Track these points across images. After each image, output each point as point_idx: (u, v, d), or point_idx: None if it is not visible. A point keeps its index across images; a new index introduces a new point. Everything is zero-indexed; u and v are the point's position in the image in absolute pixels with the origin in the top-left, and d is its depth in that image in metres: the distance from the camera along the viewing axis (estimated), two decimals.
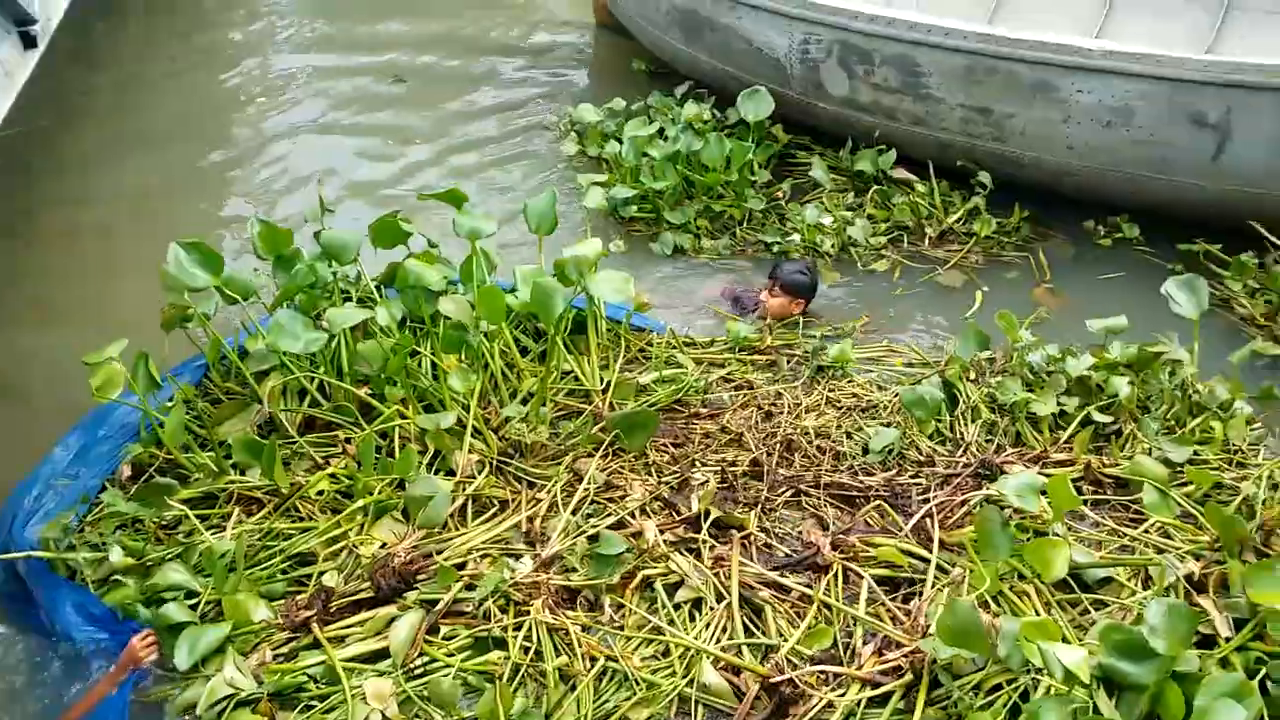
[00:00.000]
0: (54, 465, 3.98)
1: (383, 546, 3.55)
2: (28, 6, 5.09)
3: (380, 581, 3.40)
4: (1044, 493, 3.28)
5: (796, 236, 5.59)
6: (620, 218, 5.82)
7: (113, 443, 4.07)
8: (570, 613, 3.29)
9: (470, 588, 3.40)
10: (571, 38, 8.58)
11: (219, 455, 3.84)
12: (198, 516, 3.70)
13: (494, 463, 3.79)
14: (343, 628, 3.36)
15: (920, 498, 3.71)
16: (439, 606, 3.34)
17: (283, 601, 3.45)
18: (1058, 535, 3.36)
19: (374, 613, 3.37)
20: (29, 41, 5.26)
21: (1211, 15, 6.27)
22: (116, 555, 3.52)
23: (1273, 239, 5.05)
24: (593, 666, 3.14)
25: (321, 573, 3.48)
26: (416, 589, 3.40)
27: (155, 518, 3.70)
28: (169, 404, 3.90)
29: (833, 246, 5.56)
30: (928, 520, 3.55)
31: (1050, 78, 5.23)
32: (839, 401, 4.24)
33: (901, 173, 5.90)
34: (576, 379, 4.19)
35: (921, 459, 3.90)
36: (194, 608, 3.47)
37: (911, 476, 3.82)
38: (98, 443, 4.09)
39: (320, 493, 3.69)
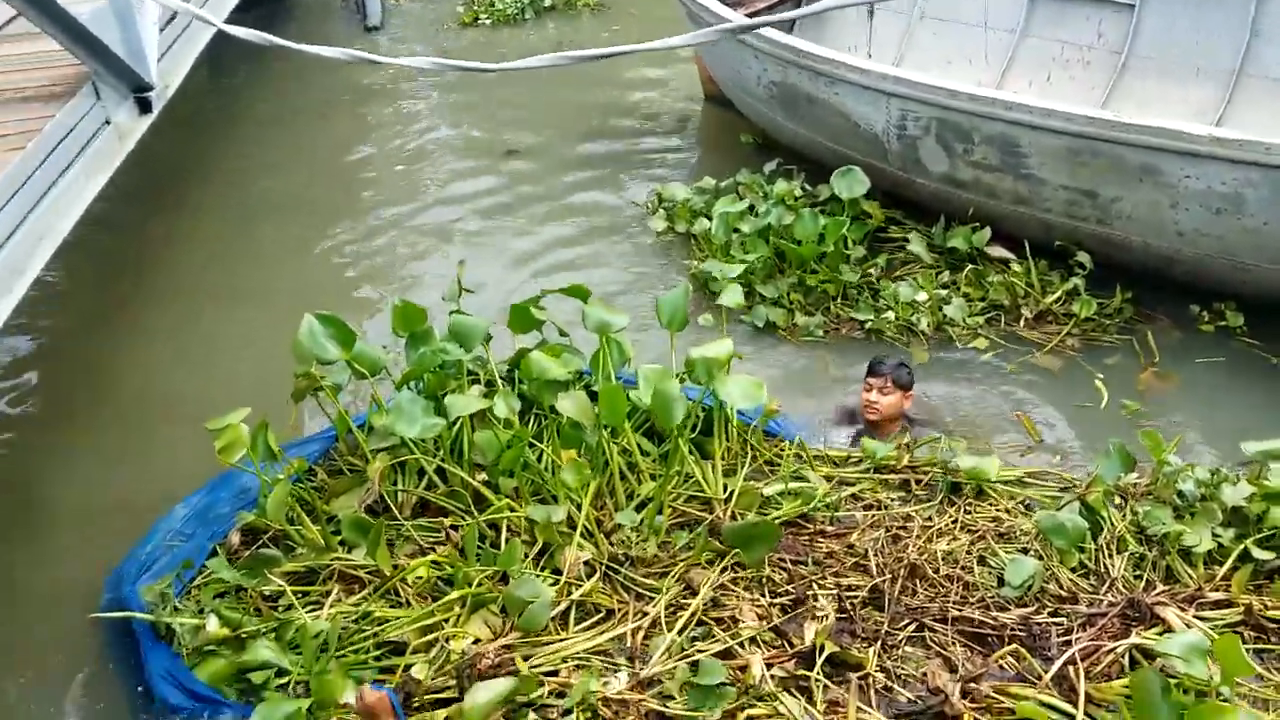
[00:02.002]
0: (171, 523, 3.81)
1: (475, 642, 3.21)
2: (145, 75, 5.04)
3: (465, 681, 3.04)
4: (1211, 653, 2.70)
5: (891, 314, 5.17)
6: (711, 293, 5.40)
7: (232, 506, 3.88)
8: None
9: (560, 694, 3.02)
10: (681, 109, 8.31)
11: (326, 530, 3.61)
12: (300, 591, 3.47)
13: (603, 567, 3.40)
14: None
15: (1061, 639, 3.17)
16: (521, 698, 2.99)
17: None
18: (1225, 700, 2.75)
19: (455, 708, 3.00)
20: (144, 106, 5.15)
21: None
22: (213, 625, 3.30)
23: None
24: None
25: (410, 664, 3.14)
26: (502, 681, 3.01)
27: (257, 589, 3.48)
28: (290, 468, 3.72)
29: (928, 325, 5.12)
30: (1070, 668, 2.90)
31: (1157, 162, 4.81)
32: (973, 524, 3.71)
33: (998, 250, 5.46)
34: (697, 485, 3.76)
35: (1062, 594, 3.33)
36: (283, 687, 3.21)
37: (1051, 614, 3.27)
38: (218, 504, 3.90)
39: (421, 578, 3.40)
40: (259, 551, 3.61)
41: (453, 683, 3.08)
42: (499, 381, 4.01)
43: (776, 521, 3.53)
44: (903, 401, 4.31)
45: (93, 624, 3.61)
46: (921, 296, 5.22)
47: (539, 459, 3.71)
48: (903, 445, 4.11)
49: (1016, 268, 5.34)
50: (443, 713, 3.02)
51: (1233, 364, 4.87)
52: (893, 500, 3.84)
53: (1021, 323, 5.13)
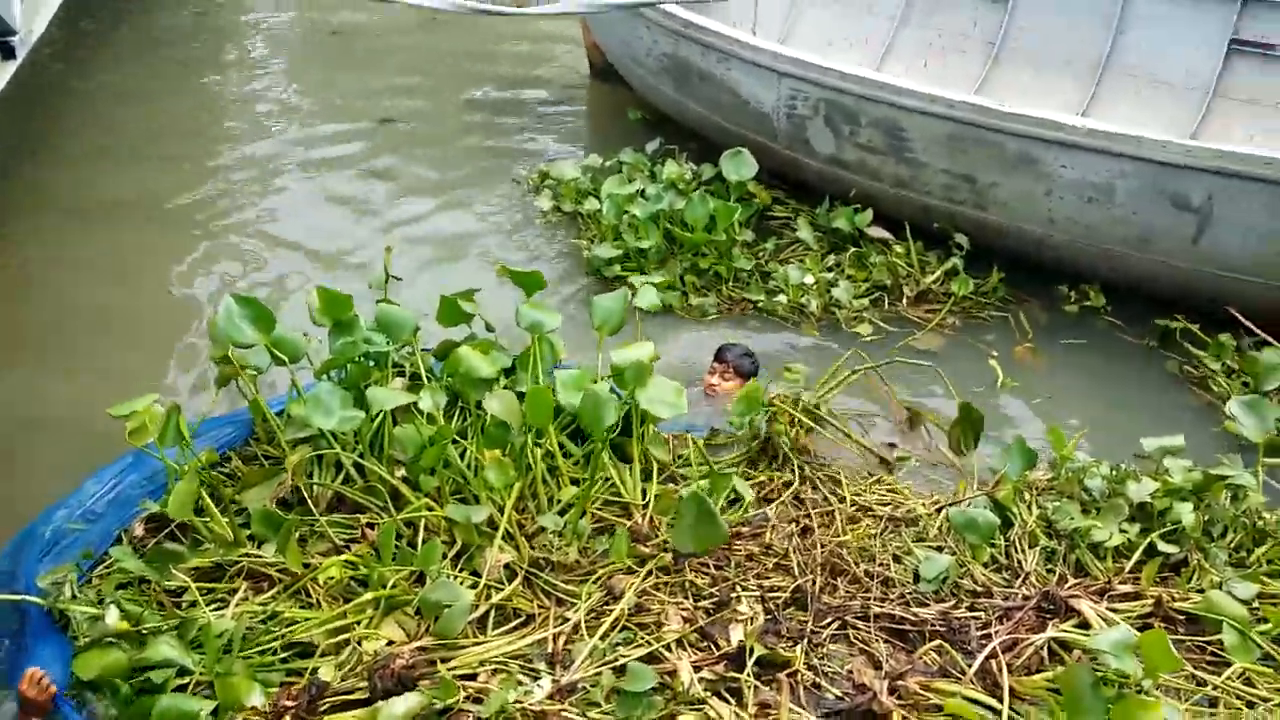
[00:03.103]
0: (81, 498, 3.51)
1: (389, 644, 3.02)
2: (9, 19, 4.80)
3: (377, 682, 2.84)
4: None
5: (783, 296, 5.18)
6: (603, 277, 5.36)
7: (143, 490, 3.59)
8: None
9: (477, 700, 2.83)
10: (566, 80, 8.12)
11: (235, 524, 3.38)
12: (205, 588, 3.24)
13: (524, 571, 3.22)
14: None
15: (980, 633, 3.10)
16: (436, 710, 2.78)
17: (277, 690, 2.92)
18: (1147, 695, 2.70)
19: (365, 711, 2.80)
20: (8, 52, 4.92)
21: (1195, 104, 5.97)
22: (113, 618, 3.01)
23: (1249, 325, 4.67)
24: None
25: (317, 667, 2.95)
26: (418, 694, 2.81)
27: (161, 583, 3.24)
28: (196, 463, 3.45)
29: (817, 307, 5.13)
30: (992, 662, 2.81)
31: (1035, 151, 4.91)
32: (871, 508, 3.67)
33: (878, 231, 5.52)
34: (615, 488, 3.60)
35: (977, 589, 3.26)
36: (183, 688, 2.96)
37: (968, 609, 3.19)
38: (128, 486, 3.60)
39: (333, 578, 3.18)
40: (164, 545, 3.36)
41: (363, 684, 2.87)
42: (424, 375, 3.80)
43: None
44: (737, 388, 4.35)
45: None
46: (809, 279, 5.23)
47: (462, 456, 3.52)
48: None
49: (897, 248, 5.39)
50: (350, 715, 2.80)
51: (1095, 341, 5.05)
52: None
53: (904, 301, 5.19)
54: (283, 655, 3.03)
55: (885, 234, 5.45)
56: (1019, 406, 4.54)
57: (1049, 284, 5.30)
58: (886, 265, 5.29)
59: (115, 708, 2.89)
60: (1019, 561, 3.37)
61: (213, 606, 3.17)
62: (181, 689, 2.93)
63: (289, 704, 2.80)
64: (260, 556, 3.30)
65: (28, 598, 3.13)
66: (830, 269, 5.37)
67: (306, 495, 3.47)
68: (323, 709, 2.83)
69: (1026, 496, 3.66)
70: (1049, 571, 3.36)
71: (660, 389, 3.31)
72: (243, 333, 3.52)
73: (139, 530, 3.47)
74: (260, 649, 3.02)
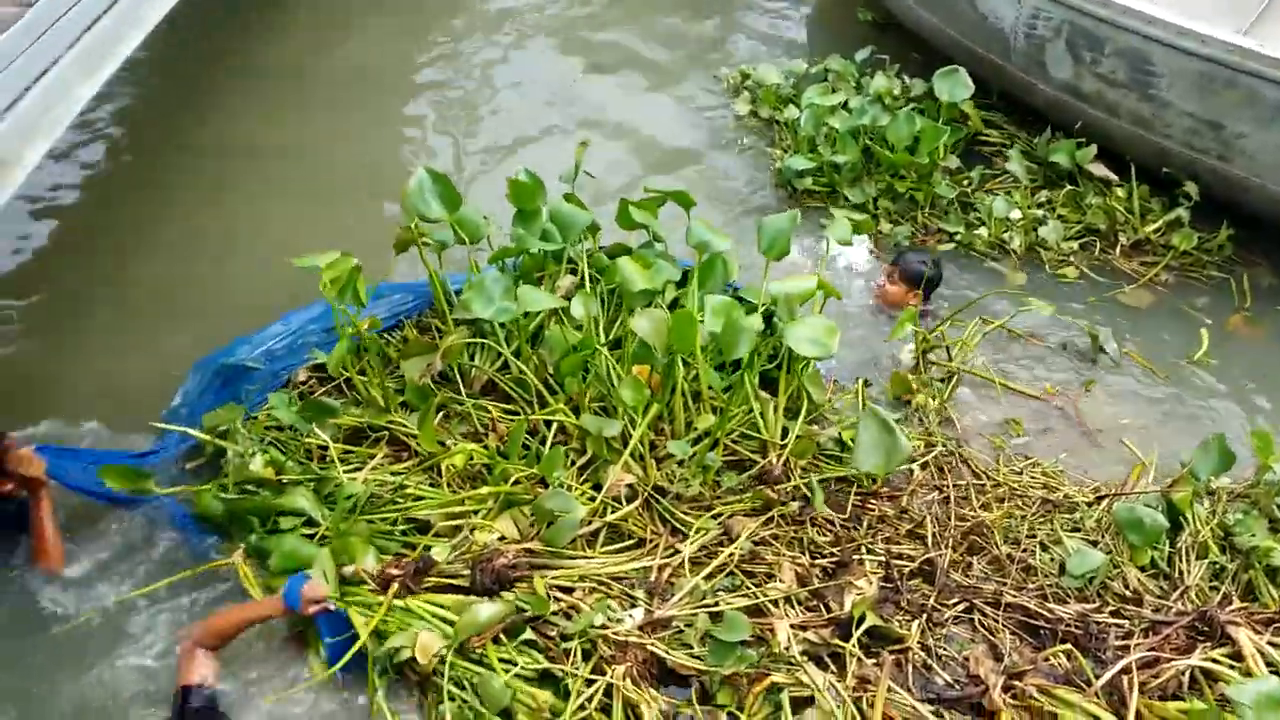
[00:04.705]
0: (264, 338, 3.68)
1: (501, 539, 3.03)
2: None
3: (478, 575, 2.88)
4: None
5: (984, 230, 4.67)
6: (793, 189, 4.97)
7: (321, 340, 3.74)
8: (661, 692, 2.63)
9: (568, 616, 2.81)
10: None
11: (390, 390, 3.46)
12: (347, 450, 3.35)
13: (645, 493, 3.12)
14: (424, 601, 2.87)
15: (1119, 643, 2.79)
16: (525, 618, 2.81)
17: (390, 558, 3.01)
18: None
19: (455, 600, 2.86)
20: None
21: None
22: (257, 464, 3.21)
23: None
24: None
25: (429, 546, 3.00)
26: (513, 594, 2.84)
27: (308, 437, 3.36)
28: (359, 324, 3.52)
29: (1020, 245, 4.61)
30: (1124, 678, 2.53)
31: None
32: (1026, 490, 3.33)
33: (1100, 169, 4.86)
34: (754, 423, 3.40)
35: (1126, 594, 2.90)
36: (309, 537, 3.12)
37: (1112, 614, 2.86)
38: (309, 332, 3.77)
39: (456, 466, 3.21)
40: (320, 399, 3.45)
41: (466, 571, 2.91)
42: (587, 279, 3.70)
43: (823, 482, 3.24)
44: (909, 298, 4.08)
45: None
46: (1016, 214, 4.73)
47: (611, 368, 3.41)
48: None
49: (1119, 191, 4.79)
50: (445, 598, 2.87)
51: None
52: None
53: (1118, 250, 4.64)
54: (403, 527, 3.11)
55: (1108, 173, 4.83)
56: (1221, 386, 4.00)
57: None
58: (1104, 208, 4.71)
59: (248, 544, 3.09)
60: (1181, 572, 2.99)
61: (353, 468, 3.28)
62: (309, 539, 3.07)
63: (396, 572, 2.87)
64: (405, 425, 3.37)
65: (189, 430, 3.32)
66: (1040, 205, 4.84)
67: (461, 375, 3.51)
68: (426, 585, 2.90)
69: (1208, 502, 3.25)
70: (1213, 589, 2.96)
71: (812, 327, 3.06)
72: (430, 207, 3.53)
73: (303, 377, 3.61)
74: (384, 516, 3.11)
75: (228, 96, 5.72)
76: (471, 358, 3.61)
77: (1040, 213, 4.78)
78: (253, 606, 2.88)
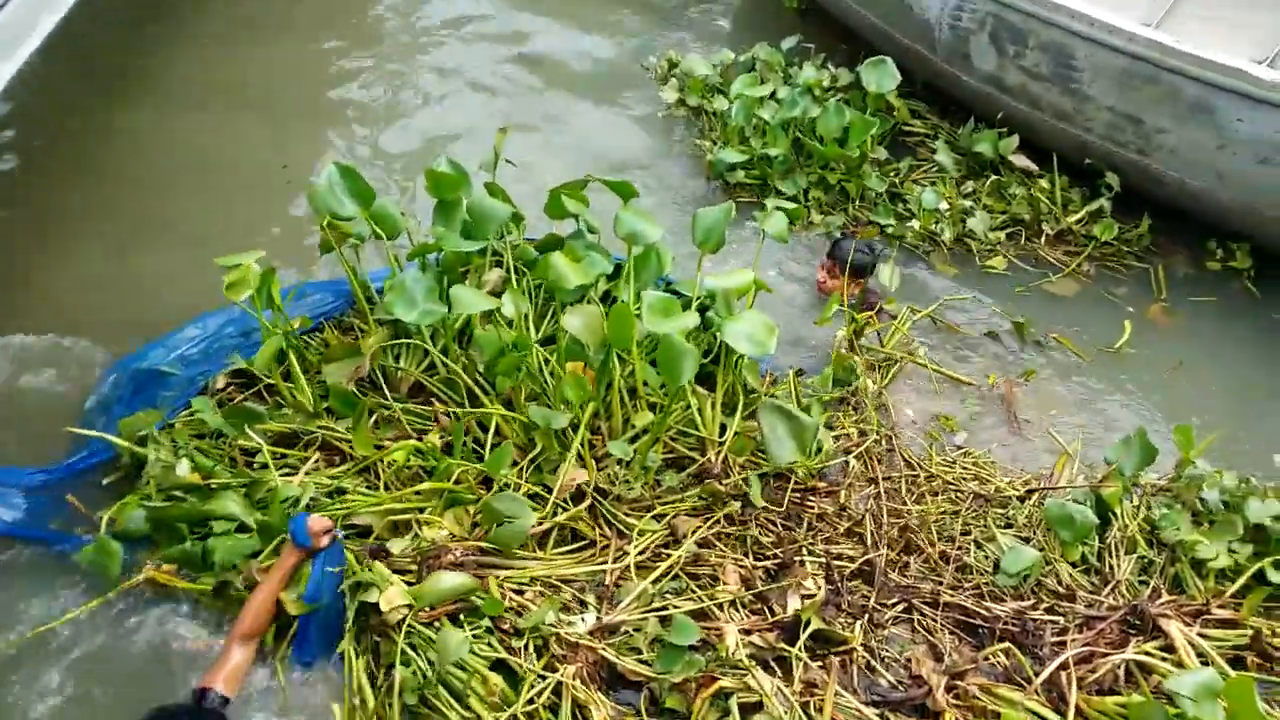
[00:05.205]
0: (178, 341, 3.55)
1: (450, 537, 2.97)
2: None
3: (424, 571, 2.84)
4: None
5: (915, 223, 4.77)
6: (725, 182, 5.00)
7: (237, 345, 3.59)
8: (610, 696, 2.64)
9: (519, 614, 2.79)
10: None
11: (316, 395, 3.34)
12: (278, 453, 3.24)
13: (591, 495, 3.10)
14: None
15: (1054, 640, 2.83)
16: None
17: None
18: None
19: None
20: None
21: None
22: (184, 469, 3.09)
23: None
24: None
25: (379, 539, 2.98)
26: (466, 575, 2.82)
27: (236, 441, 3.25)
28: (288, 326, 3.41)
29: (950, 237, 4.72)
30: (1063, 674, 2.57)
31: (1214, 100, 4.32)
32: (959, 483, 3.40)
33: (1023, 160, 5.00)
34: (692, 420, 3.38)
35: (1060, 590, 2.97)
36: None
37: (1047, 610, 2.93)
38: (223, 337, 3.62)
39: (397, 464, 3.15)
40: (245, 404, 3.36)
41: (413, 568, 2.86)
42: (513, 275, 3.62)
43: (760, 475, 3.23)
44: (853, 287, 4.09)
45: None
46: (944, 206, 4.82)
47: (545, 364, 3.36)
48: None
49: (1042, 182, 4.92)
50: (403, 580, 2.83)
51: (1230, 306, 4.58)
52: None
53: (1042, 239, 4.76)
54: (345, 532, 3.00)
55: (1030, 164, 4.94)
56: (1145, 376, 4.12)
57: (1197, 238, 4.76)
58: (1027, 198, 4.83)
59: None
60: (1111, 567, 3.07)
61: (283, 472, 3.16)
62: None
63: (354, 549, 2.85)
64: (335, 430, 3.26)
65: (108, 436, 3.17)
66: (966, 196, 4.93)
67: (386, 379, 3.40)
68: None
69: (1134, 497, 3.33)
70: (1142, 583, 3.05)
71: (751, 324, 3.02)
72: (342, 204, 3.39)
73: (221, 383, 3.46)
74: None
75: (139, 86, 5.44)
76: (396, 359, 3.51)
77: (968, 203, 4.87)
78: (269, 575, 2.83)
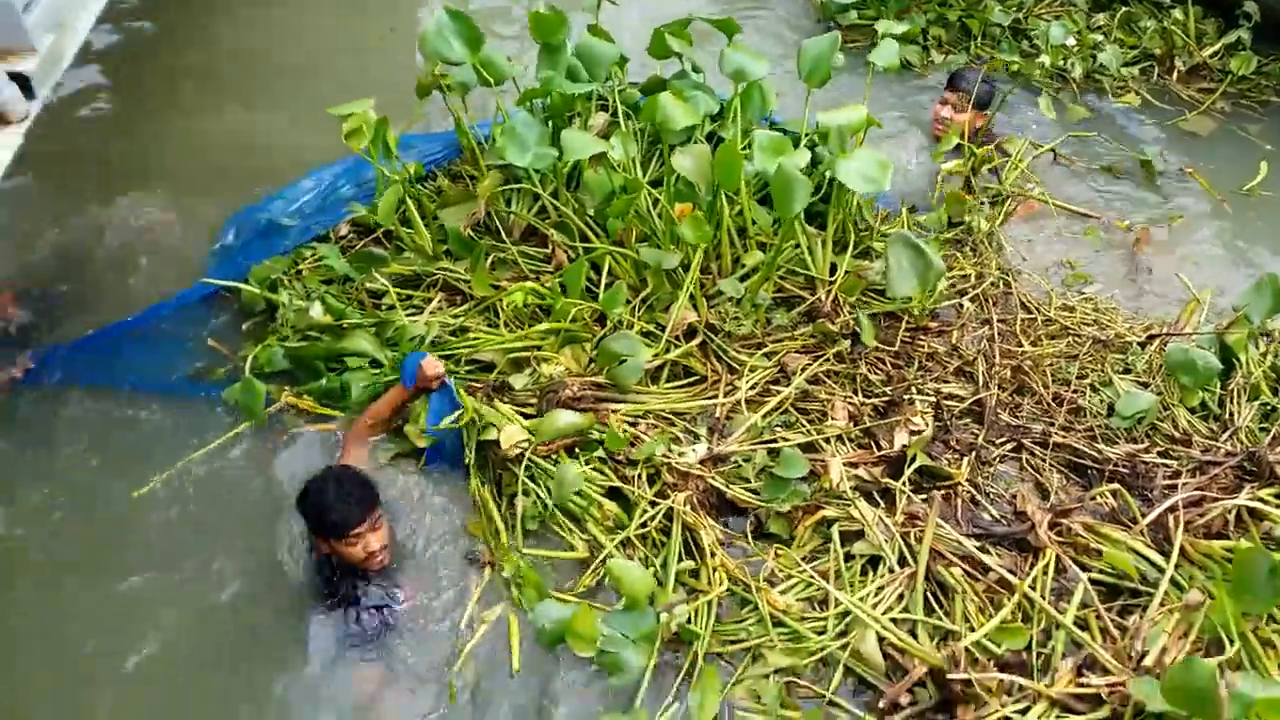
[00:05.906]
0: (296, 194, 3.68)
1: (567, 372, 3.08)
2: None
3: (544, 405, 2.95)
4: None
5: (1044, 58, 4.53)
6: (837, 24, 4.73)
7: (353, 195, 3.71)
8: (716, 522, 2.74)
9: (632, 445, 2.90)
10: None
11: (435, 239, 3.44)
12: (404, 293, 3.36)
13: (702, 332, 3.16)
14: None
15: (1166, 483, 2.79)
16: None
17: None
18: None
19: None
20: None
21: None
22: (317, 311, 3.22)
23: None
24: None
25: (503, 373, 3.09)
26: (582, 415, 2.93)
27: (364, 284, 3.37)
28: (404, 173, 3.48)
29: (1080, 73, 4.50)
30: (1170, 516, 2.53)
31: None
32: (1078, 327, 3.32)
33: None
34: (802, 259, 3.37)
35: (1175, 435, 2.89)
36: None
37: (1160, 454, 2.87)
38: (340, 188, 3.74)
39: (516, 304, 3.24)
40: (369, 249, 3.47)
41: (533, 402, 2.97)
42: (621, 118, 3.59)
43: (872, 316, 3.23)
44: (975, 120, 3.91)
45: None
46: (1072, 41, 4.56)
47: (654, 205, 3.36)
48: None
49: (1176, 13, 4.62)
50: (522, 415, 2.94)
51: None
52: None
53: (1174, 76, 4.50)
54: (468, 368, 3.13)
55: None
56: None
57: None
58: (1159, 31, 4.57)
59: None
60: (1231, 414, 3.00)
61: (409, 312, 3.29)
62: None
63: (477, 386, 3.00)
64: (455, 271, 3.36)
65: (243, 286, 3.33)
66: (1094, 30, 4.67)
67: (500, 223, 3.46)
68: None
69: (1261, 345, 3.23)
70: (1263, 430, 2.98)
71: (864, 160, 2.94)
72: (451, 48, 3.36)
73: (343, 230, 3.57)
74: (448, 356, 3.13)
75: None
76: (508, 204, 3.55)
77: (1097, 37, 4.57)
78: (383, 398, 3.03)
